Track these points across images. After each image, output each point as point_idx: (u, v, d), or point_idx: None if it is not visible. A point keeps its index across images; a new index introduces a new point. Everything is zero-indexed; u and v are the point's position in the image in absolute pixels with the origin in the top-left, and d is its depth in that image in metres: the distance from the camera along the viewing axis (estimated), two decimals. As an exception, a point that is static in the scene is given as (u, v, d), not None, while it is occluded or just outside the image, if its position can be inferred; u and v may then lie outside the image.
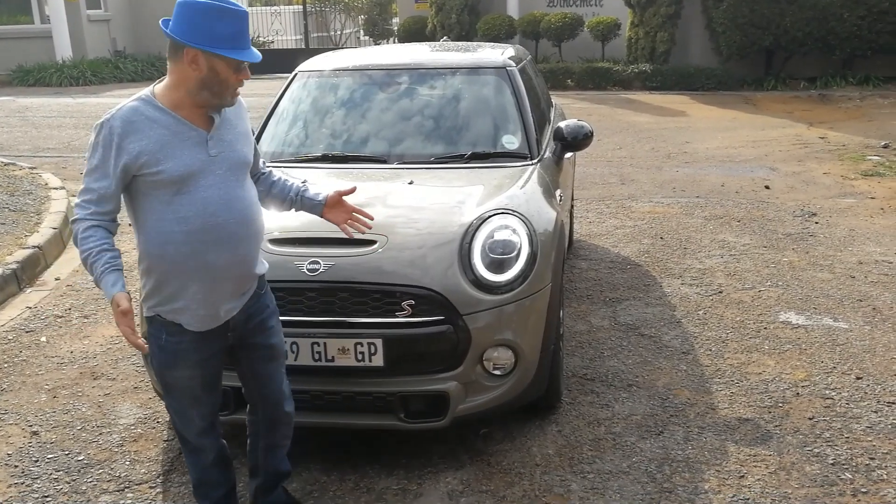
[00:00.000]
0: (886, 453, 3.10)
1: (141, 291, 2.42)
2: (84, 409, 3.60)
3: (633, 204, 6.86)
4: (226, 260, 2.32)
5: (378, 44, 21.61)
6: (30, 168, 7.93)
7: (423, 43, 8.94)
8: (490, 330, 2.97)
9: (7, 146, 9.78)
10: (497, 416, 3.21)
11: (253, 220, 2.40)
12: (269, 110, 4.31)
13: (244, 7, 2.32)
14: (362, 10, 23.58)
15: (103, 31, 18.27)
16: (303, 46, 20.51)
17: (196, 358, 2.39)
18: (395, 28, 20.95)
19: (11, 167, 7.89)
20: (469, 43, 5.76)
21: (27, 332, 4.46)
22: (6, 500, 2.96)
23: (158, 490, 3.01)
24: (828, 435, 3.24)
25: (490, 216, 3.20)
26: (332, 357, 2.90)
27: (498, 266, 3.06)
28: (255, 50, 2.28)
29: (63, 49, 16.99)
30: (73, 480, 3.08)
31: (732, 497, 2.87)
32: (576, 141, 4.18)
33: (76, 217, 2.26)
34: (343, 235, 2.78)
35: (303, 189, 2.69)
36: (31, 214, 6.25)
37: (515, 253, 3.10)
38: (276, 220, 3.26)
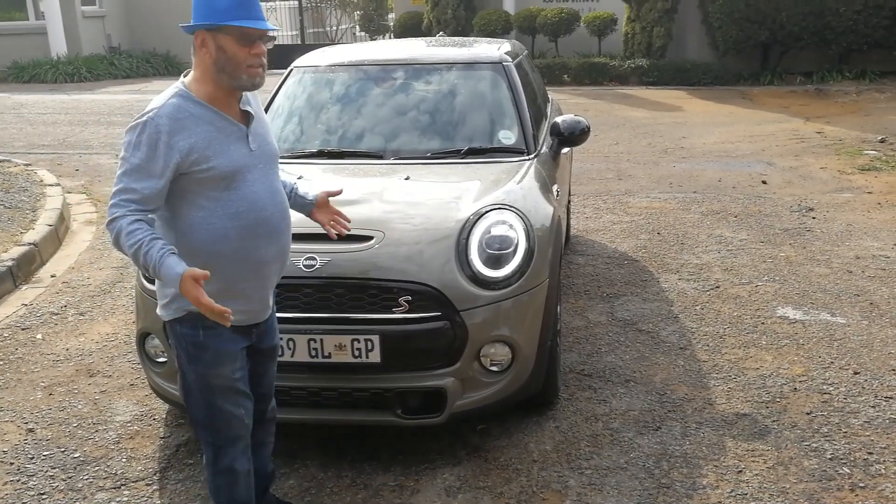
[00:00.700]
0: (884, 448, 3.10)
1: (161, 294, 2.32)
2: (80, 407, 3.59)
3: (630, 199, 6.85)
4: (274, 253, 2.33)
5: (374, 39, 21.57)
6: (25, 165, 7.89)
7: (420, 38, 8.91)
8: (487, 326, 2.96)
9: (2, 143, 9.74)
10: (494, 412, 3.20)
11: (288, 211, 2.42)
12: (265, 106, 4.28)
13: None
14: (358, 5, 23.50)
15: (98, 28, 18.20)
16: (299, 42, 20.46)
17: (237, 349, 2.35)
18: (391, 24, 20.90)
19: (6, 164, 7.85)
20: (465, 38, 5.76)
21: (23, 329, 4.45)
22: (2, 498, 2.95)
23: (155, 487, 3.00)
24: (826, 430, 3.24)
25: (487, 211, 3.18)
26: (329, 353, 2.89)
27: (495, 262, 3.05)
28: (262, 20, 2.17)
29: (58, 45, 16.93)
30: (70, 478, 3.06)
31: (730, 492, 2.86)
32: (573, 136, 4.18)
33: (116, 215, 2.13)
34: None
35: (295, 187, 2.68)
36: (27, 211, 6.22)
37: (512, 248, 3.09)
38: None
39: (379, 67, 4.34)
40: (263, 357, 2.52)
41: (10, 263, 5.09)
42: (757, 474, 2.96)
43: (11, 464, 3.16)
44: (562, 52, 15.31)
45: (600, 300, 4.64)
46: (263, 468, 2.67)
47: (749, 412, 3.39)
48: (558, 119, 4.23)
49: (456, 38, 6.01)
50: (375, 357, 2.88)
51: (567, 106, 6.10)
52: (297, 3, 21.89)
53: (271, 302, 2.45)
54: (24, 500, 2.93)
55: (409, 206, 3.32)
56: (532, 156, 3.87)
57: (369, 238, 3.01)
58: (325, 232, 2.71)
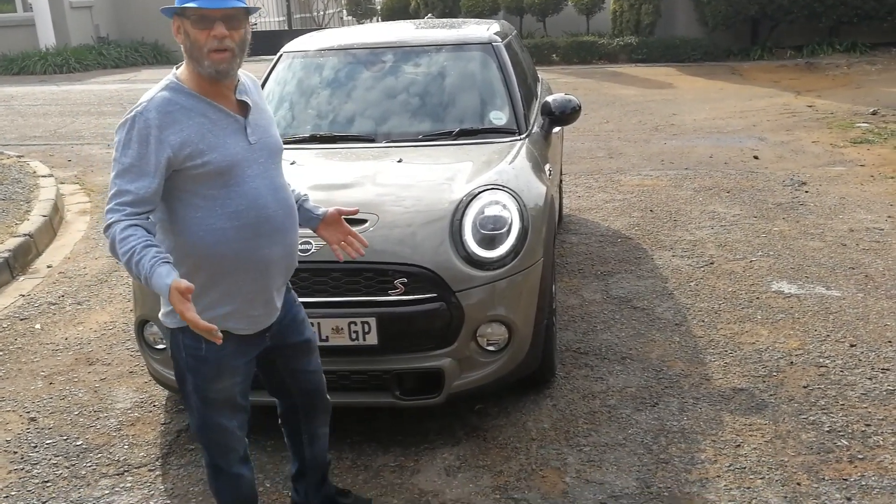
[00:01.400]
0: (882, 419, 3.13)
1: (164, 301, 2.15)
2: (81, 395, 3.60)
3: (621, 177, 6.85)
4: (279, 253, 2.18)
5: (361, 23, 21.41)
6: (17, 157, 7.86)
7: (408, 21, 8.86)
8: (483, 306, 2.97)
9: (-9, 135, 9.69)
10: (492, 391, 3.22)
11: (293, 208, 2.26)
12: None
13: None
14: (345, -11, 23.33)
15: (86, 18, 18.06)
16: (286, 28, 20.32)
17: (239, 363, 2.22)
18: (379, 7, 20.76)
19: (-3, 156, 7.82)
20: (454, 20, 5.72)
21: (21, 319, 4.44)
22: (6, 486, 2.97)
23: (158, 473, 3.02)
24: (823, 403, 3.27)
25: (480, 192, 3.19)
26: (327, 337, 2.90)
27: (489, 242, 3.05)
28: (219, 0, 2.01)
29: (46, 37, 16.81)
30: (73, 465, 3.08)
31: (729, 466, 2.89)
32: (563, 115, 4.17)
33: (111, 221, 1.99)
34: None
35: (303, 198, 2.45)
36: (21, 203, 6.20)
37: (506, 228, 3.10)
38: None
39: (368, 51, 4.32)
40: (296, 352, 2.41)
41: (6, 255, 5.08)
42: (755, 448, 2.99)
43: (15, 452, 3.18)
44: (550, 32, 15.25)
45: (594, 278, 4.66)
46: (322, 459, 2.61)
47: (746, 387, 3.42)
48: (549, 98, 4.23)
49: (444, 20, 5.97)
50: (372, 339, 2.89)
51: (556, 85, 6.09)
52: (284, -12, 21.70)
53: (278, 304, 2.27)
54: (29, 489, 2.95)
55: (402, 188, 3.32)
56: (523, 136, 3.87)
57: (363, 221, 3.01)
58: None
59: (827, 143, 7.77)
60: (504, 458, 3.00)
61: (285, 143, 3.86)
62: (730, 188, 6.35)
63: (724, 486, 2.79)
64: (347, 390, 3.03)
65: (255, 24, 21.74)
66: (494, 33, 4.45)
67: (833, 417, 3.15)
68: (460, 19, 7.77)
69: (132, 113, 2.04)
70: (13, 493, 2.93)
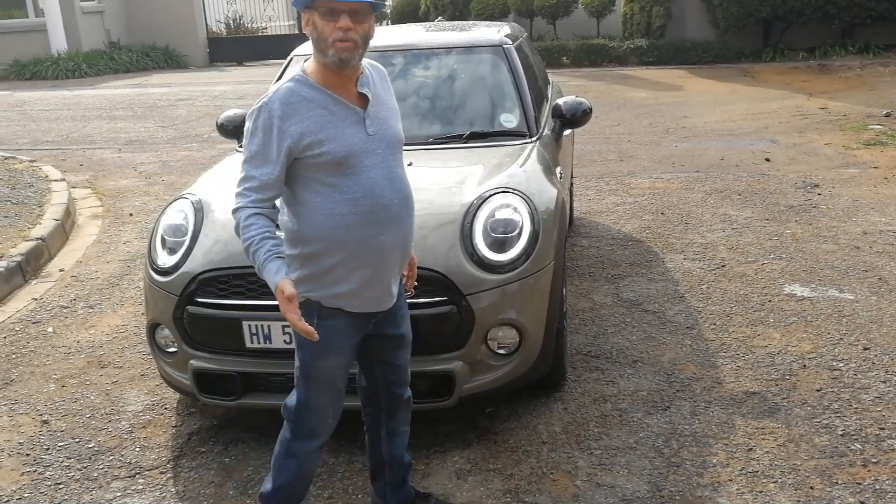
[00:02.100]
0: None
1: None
2: (93, 398, 3.61)
3: (632, 180, 6.83)
4: (393, 241, 2.27)
5: (373, 26, 21.41)
6: (30, 161, 7.91)
7: (419, 24, 8.87)
8: (494, 309, 2.97)
9: (6, 140, 9.75)
10: (503, 394, 3.22)
11: (411, 199, 2.34)
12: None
13: None
14: (356, -7, 23.36)
15: (97, 23, 18.18)
16: (296, 32, 20.37)
17: (345, 343, 2.32)
18: (388, 10, 20.80)
19: (11, 160, 7.87)
20: (464, 22, 5.73)
21: (34, 322, 4.47)
22: (20, 489, 2.98)
23: (169, 475, 3.02)
24: (836, 406, 3.24)
25: (491, 195, 3.18)
26: (337, 340, 2.89)
27: (500, 245, 3.05)
28: None
29: (58, 42, 16.93)
30: (85, 467, 3.09)
31: (741, 470, 2.87)
32: (574, 117, 4.16)
33: (237, 206, 2.17)
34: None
35: None
36: (33, 207, 6.24)
37: (517, 231, 3.09)
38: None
39: (379, 54, 4.30)
40: (391, 344, 2.47)
41: (19, 258, 5.11)
42: (767, 452, 2.97)
43: (28, 455, 3.19)
44: (560, 35, 15.24)
45: (605, 281, 4.64)
46: (400, 458, 2.63)
47: (758, 390, 3.39)
48: (560, 101, 4.22)
49: (455, 23, 5.97)
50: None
51: (567, 88, 6.08)
52: (294, -8, 21.72)
53: (394, 291, 2.36)
54: (42, 490, 2.96)
55: (412, 191, 3.31)
56: (534, 138, 3.86)
57: (374, 225, 3.00)
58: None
59: (840, 145, 7.72)
60: (515, 461, 2.99)
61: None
62: (741, 191, 6.32)
63: (737, 489, 2.77)
64: (357, 393, 3.02)
65: (266, 28, 21.87)
66: (505, 35, 4.45)
67: (846, 421, 3.13)
68: (470, 22, 7.79)
69: (259, 103, 2.17)
70: (26, 496, 2.94)
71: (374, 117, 2.24)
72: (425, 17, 16.58)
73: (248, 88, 13.51)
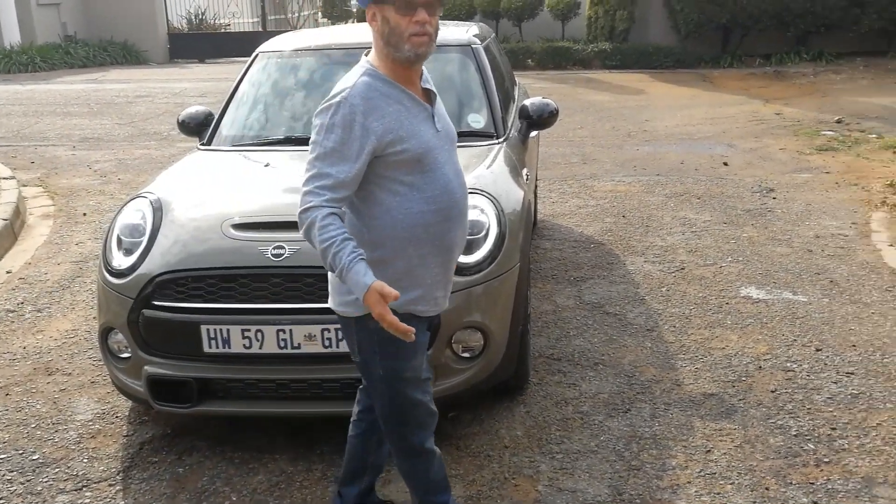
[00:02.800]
0: (847, 423, 3.16)
1: (344, 290, 2.18)
2: (38, 406, 3.50)
3: (595, 183, 6.88)
4: (460, 236, 2.28)
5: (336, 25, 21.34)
6: (-22, 158, 7.70)
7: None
8: (459, 312, 2.95)
9: (-46, 135, 9.49)
10: (466, 398, 3.20)
11: (467, 195, 2.34)
12: (230, 94, 4.22)
13: None
14: (320, -10, 23.24)
15: (53, 16, 17.77)
16: (260, 29, 20.17)
17: (424, 339, 2.31)
18: (354, 9, 20.69)
19: (-41, 157, 7.65)
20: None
21: (-20, 327, 4.34)
22: (-38, 502, 2.88)
23: (118, 488, 2.94)
24: (790, 407, 3.30)
25: (455, 197, 3.16)
26: (299, 344, 2.86)
27: (466, 247, 3.02)
28: None
29: (11, 34, 16.52)
30: (28, 481, 2.98)
31: (700, 472, 2.90)
32: (541, 119, 4.17)
33: (310, 204, 2.04)
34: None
35: None
36: (-19, 206, 6.06)
37: (484, 233, 3.08)
38: (236, 205, 3.21)
39: (345, 51, 4.28)
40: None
41: (-35, 259, 4.96)
42: (725, 453, 3.01)
43: (-29, 465, 3.08)
44: (525, 37, 15.32)
45: (568, 284, 4.67)
46: (381, 464, 2.62)
47: (716, 392, 3.44)
48: (527, 102, 4.22)
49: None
50: (346, 346, 2.85)
51: (532, 90, 6.09)
52: (257, -11, 21.56)
53: (451, 288, 2.35)
54: (-14, 503, 2.87)
55: None
56: (501, 139, 3.86)
57: (336, 227, 2.97)
58: (292, 220, 2.64)
59: (794, 150, 7.88)
60: (477, 466, 2.98)
61: (260, 144, 3.89)
62: (700, 194, 6.41)
63: (695, 492, 2.80)
64: (319, 399, 2.99)
65: (230, 25, 21.61)
66: (473, 35, 4.45)
67: (800, 422, 3.19)
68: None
69: (337, 98, 2.08)
70: (-32, 508, 2.84)
71: (439, 114, 2.24)
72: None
73: (209, 86, 13.32)
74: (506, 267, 3.09)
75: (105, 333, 3.12)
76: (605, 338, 3.97)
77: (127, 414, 3.41)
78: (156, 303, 2.94)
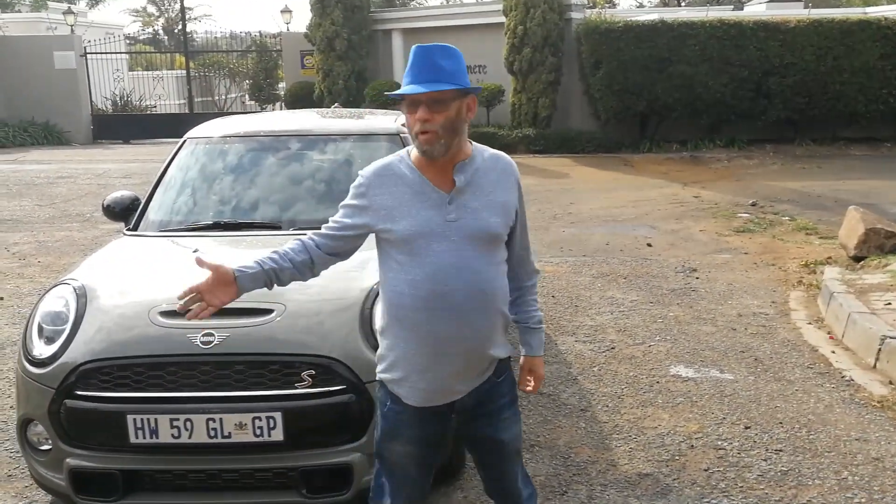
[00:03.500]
0: (778, 500, 3.22)
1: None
2: (-53, 505, 3.28)
3: (525, 264, 6.98)
4: (453, 332, 2.17)
5: (264, 108, 21.49)
6: None
7: (315, 109, 8.95)
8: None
9: None
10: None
11: (486, 294, 2.21)
12: (157, 178, 4.18)
13: (447, 45, 2.18)
14: (247, 74, 23.47)
15: (-29, 96, 17.38)
16: (186, 111, 20.15)
17: (415, 434, 2.26)
18: (282, 93, 20.93)
19: None
20: (361, 110, 5.82)
21: None
22: None
23: (35, 591, 2.75)
24: (723, 485, 3.34)
25: (390, 281, 3.17)
26: (229, 433, 2.77)
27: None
28: (419, 84, 2.11)
29: (-74, 113, 16.03)
30: (-65, 587, 2.77)
31: (638, 553, 2.89)
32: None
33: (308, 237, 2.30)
34: (238, 305, 2.64)
35: (534, 323, 2.71)
36: None
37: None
38: (164, 291, 3.13)
39: (274, 138, 4.32)
40: (487, 450, 2.37)
41: None
42: (662, 533, 3.01)
43: None
44: (453, 122, 15.68)
45: (502, 365, 4.67)
46: None
47: (650, 471, 3.46)
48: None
49: (351, 110, 6.06)
50: (278, 435, 2.78)
51: (461, 174, 6.27)
52: (184, 71, 21.64)
53: (457, 387, 2.24)
54: None
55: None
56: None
57: (269, 311, 2.94)
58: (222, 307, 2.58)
59: (713, 231, 8.22)
60: (414, 555, 2.90)
61: (188, 230, 3.83)
62: (626, 274, 6.59)
63: (636, 575, 2.78)
64: (251, 489, 2.89)
65: (156, 107, 21.46)
66: (401, 124, 4.53)
67: (733, 500, 3.23)
68: (367, 109, 7.94)
69: (362, 170, 2.29)
70: None
71: (459, 205, 2.19)
72: (319, 102, 16.77)
73: (134, 167, 13.13)
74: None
75: (24, 425, 2.97)
76: (540, 419, 3.97)
77: (43, 512, 3.21)
78: (79, 392, 2.83)
